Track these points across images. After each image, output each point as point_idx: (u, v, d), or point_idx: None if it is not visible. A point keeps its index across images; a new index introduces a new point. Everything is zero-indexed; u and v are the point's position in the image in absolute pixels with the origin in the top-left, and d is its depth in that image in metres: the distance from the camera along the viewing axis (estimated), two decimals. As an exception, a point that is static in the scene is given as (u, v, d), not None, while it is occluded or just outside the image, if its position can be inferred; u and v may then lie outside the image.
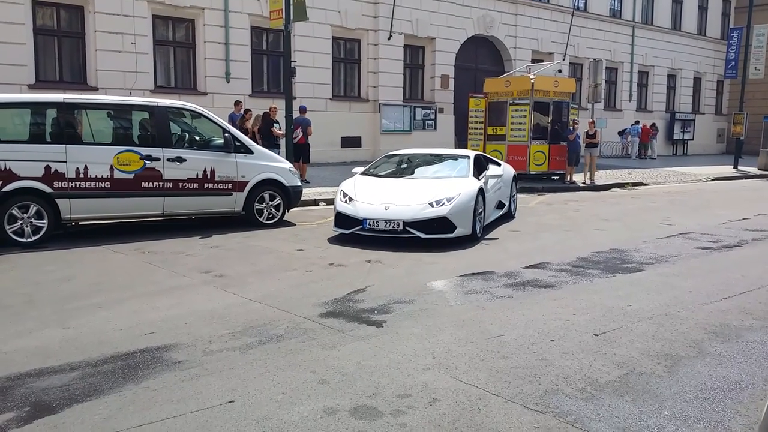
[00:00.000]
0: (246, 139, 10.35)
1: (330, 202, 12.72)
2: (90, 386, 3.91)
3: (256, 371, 4.19)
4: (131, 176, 9.04)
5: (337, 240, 8.92)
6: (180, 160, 9.35)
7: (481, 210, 9.05)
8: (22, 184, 8.38)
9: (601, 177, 19.40)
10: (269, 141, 14.33)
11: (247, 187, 9.97)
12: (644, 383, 4.07)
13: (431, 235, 8.30)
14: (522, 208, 12.83)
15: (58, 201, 8.58)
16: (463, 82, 24.98)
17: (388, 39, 22.49)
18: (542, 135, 18.17)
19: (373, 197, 8.71)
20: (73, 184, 8.68)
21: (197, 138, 10.03)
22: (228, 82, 19.16)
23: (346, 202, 8.85)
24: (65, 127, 8.89)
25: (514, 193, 11.65)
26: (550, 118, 18.26)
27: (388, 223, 8.28)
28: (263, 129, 14.82)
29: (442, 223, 8.34)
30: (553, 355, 4.53)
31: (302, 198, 11.15)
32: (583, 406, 3.72)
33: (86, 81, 17.08)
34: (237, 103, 16.00)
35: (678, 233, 9.99)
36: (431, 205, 8.37)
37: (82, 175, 8.74)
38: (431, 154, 10.81)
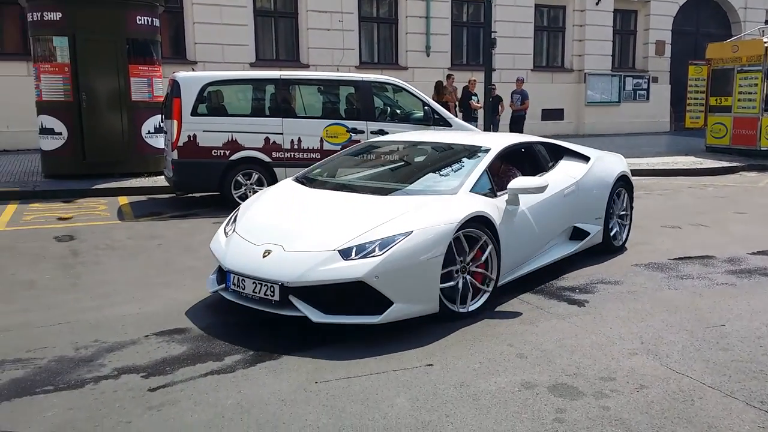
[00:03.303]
0: (445, 112, 10.41)
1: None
2: (302, 339, 4.22)
3: (454, 338, 4.24)
4: (338, 148, 9.54)
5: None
6: (382, 132, 9.67)
7: (488, 259, 4.74)
8: (246, 154, 9.25)
9: None
10: (467, 114, 14.33)
11: (445, 160, 10.01)
12: None
13: (334, 317, 4.13)
14: (751, 187, 11.46)
15: (276, 170, 9.35)
16: (680, 48, 22.89)
17: (597, 4, 21.22)
18: (775, 106, 16.02)
19: (261, 229, 4.76)
20: (288, 155, 9.40)
21: (398, 111, 10.31)
22: (428, 56, 19.43)
23: (227, 231, 5.01)
24: (282, 101, 9.64)
25: (623, 207, 6.73)
26: (786, 87, 16.02)
27: (259, 286, 4.27)
28: (462, 102, 14.86)
29: (361, 294, 4.14)
30: (785, 352, 4.01)
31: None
32: (824, 412, 3.25)
33: (299, 58, 18.34)
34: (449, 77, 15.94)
35: None
36: (343, 253, 4.20)
37: (296, 147, 9.44)
38: (431, 146, 6.22)
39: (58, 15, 10.99)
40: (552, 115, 21.31)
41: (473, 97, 14.81)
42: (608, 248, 6.47)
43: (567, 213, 5.89)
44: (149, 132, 11.75)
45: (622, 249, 6.64)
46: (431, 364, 3.83)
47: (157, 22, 11.98)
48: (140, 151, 11.63)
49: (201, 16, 17.02)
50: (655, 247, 6.82)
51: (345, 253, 4.18)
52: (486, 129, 13.73)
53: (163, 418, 3.19)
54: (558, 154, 6.41)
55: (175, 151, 9.03)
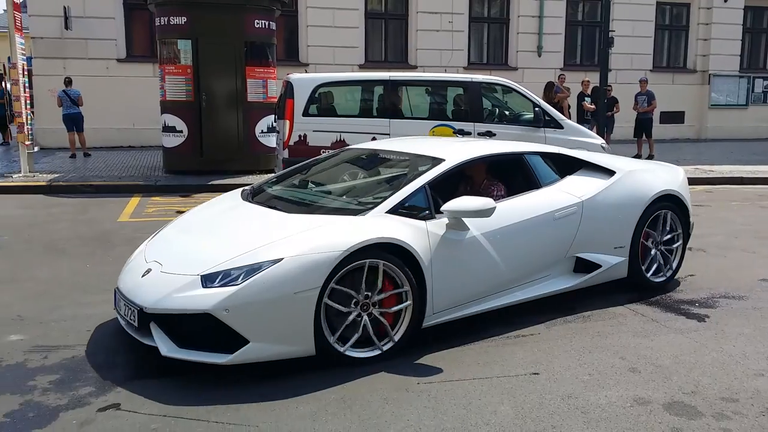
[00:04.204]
0: (556, 114, 10.10)
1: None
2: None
3: (561, 348, 4.09)
4: (445, 148, 9.50)
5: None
6: (490, 134, 9.54)
7: (402, 296, 3.90)
8: (354, 153, 9.39)
9: None
10: (580, 116, 13.87)
11: (555, 163, 9.73)
12: None
13: (184, 352, 3.56)
14: None
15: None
16: (819, 46, 21.04)
17: (725, 1, 19.90)
18: None
19: (162, 243, 4.40)
20: (395, 155, 9.46)
21: (507, 113, 10.12)
22: (539, 56, 18.97)
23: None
24: (389, 102, 9.71)
25: (668, 234, 5.36)
26: None
27: (127, 309, 3.83)
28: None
29: (218, 328, 3.50)
30: None
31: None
32: None
33: (407, 60, 18.44)
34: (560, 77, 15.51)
35: None
36: (207, 279, 3.63)
37: (402, 147, 9.47)
38: (392, 155, 5.20)
39: (183, 19, 11.63)
40: (672, 118, 20.19)
41: (586, 99, 14.30)
42: (640, 285, 5.21)
43: (561, 240, 4.74)
44: (262, 131, 12.20)
45: (665, 286, 5.31)
46: (537, 373, 3.71)
47: (273, 26, 12.42)
48: (253, 150, 12.10)
49: (314, 20, 17.50)
50: (787, 262, 6.28)
51: (209, 279, 3.59)
52: (600, 131, 13.20)
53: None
54: (570, 166, 5.22)
55: (287, 149, 9.31)
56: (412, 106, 9.92)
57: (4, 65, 19.04)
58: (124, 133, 16.45)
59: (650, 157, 14.59)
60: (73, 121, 14.08)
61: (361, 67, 17.53)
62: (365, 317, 3.78)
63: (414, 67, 17.92)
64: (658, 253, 5.31)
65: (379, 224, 3.92)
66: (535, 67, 18.67)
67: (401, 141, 5.96)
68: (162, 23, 11.95)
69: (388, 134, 9.40)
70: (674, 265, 5.43)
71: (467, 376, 3.67)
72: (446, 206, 4.08)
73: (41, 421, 3.13)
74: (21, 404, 3.27)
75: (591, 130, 11.66)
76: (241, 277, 3.53)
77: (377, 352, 3.81)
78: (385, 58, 18.47)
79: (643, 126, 15.00)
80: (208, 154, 11.85)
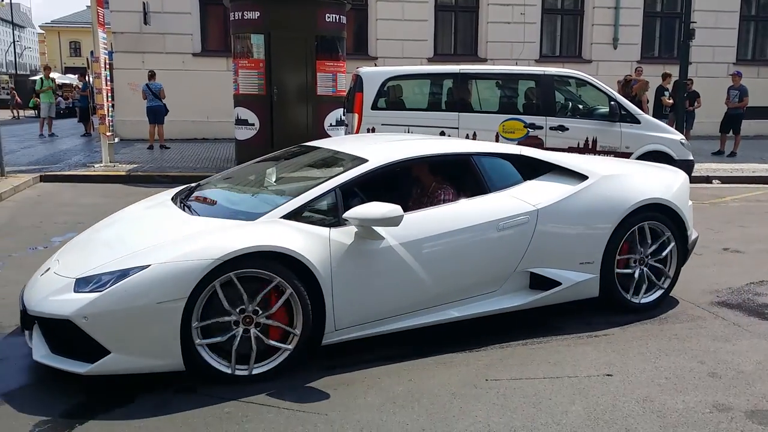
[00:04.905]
0: (633, 108, 9.78)
1: (726, 180, 11.30)
2: (469, 334, 4.17)
3: (636, 350, 3.95)
4: (514, 143, 9.35)
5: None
6: (562, 128, 9.34)
7: (292, 309, 3.53)
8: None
9: None
10: (659, 110, 13.38)
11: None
12: None
13: (52, 359, 3.38)
14: None
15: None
16: None
17: (817, -11, 18.77)
18: None
19: (75, 241, 4.31)
20: (463, 149, 9.37)
21: (580, 106, 9.87)
22: (615, 48, 18.41)
23: None
24: (458, 96, 9.62)
25: (656, 249, 4.63)
26: None
27: (22, 306, 3.65)
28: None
29: (75, 335, 3.28)
30: None
31: (693, 173, 10.12)
32: None
33: (476, 53, 18.23)
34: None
35: None
36: (81, 283, 3.41)
37: (471, 141, 9.38)
38: (324, 154, 4.72)
39: (257, 14, 11.85)
40: (757, 113, 19.10)
41: (665, 93, 13.77)
42: (619, 307, 4.53)
43: (508, 253, 4.14)
44: (331, 125, 12.31)
45: (650, 309, 4.58)
46: (610, 375, 3.60)
47: (344, 20, 12.50)
48: (322, 143, 12.22)
49: (384, 13, 17.53)
50: None
51: (82, 284, 3.36)
52: (679, 126, 12.68)
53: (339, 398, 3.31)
54: (535, 169, 4.56)
55: (355, 142, 9.37)
56: (481, 99, 9.81)
57: (87, 59, 19.94)
58: (199, 126, 16.96)
59: (732, 154, 13.94)
60: (154, 114, 14.62)
61: (430, 61, 17.45)
62: (253, 332, 3.42)
63: (483, 60, 17.70)
64: (644, 271, 4.58)
65: (266, 231, 3.53)
66: (610, 60, 18.13)
67: (351, 139, 5.49)
68: (236, 18, 12.21)
69: (457, 128, 9.34)
70: (664, 285, 4.67)
71: (537, 374, 3.60)
72: (348, 213, 3.64)
73: (125, 398, 3.27)
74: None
75: (669, 125, 11.24)
76: (110, 282, 3.28)
77: (274, 364, 3.47)
78: (454, 51, 18.32)
79: (732, 122, 14.30)
80: (279, 147, 11.91)
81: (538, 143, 9.33)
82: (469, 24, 18.39)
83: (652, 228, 4.56)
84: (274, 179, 4.58)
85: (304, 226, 3.64)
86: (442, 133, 9.33)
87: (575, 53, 18.83)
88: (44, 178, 10.69)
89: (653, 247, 4.59)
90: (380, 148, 4.53)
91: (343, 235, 3.66)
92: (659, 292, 4.65)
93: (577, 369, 3.67)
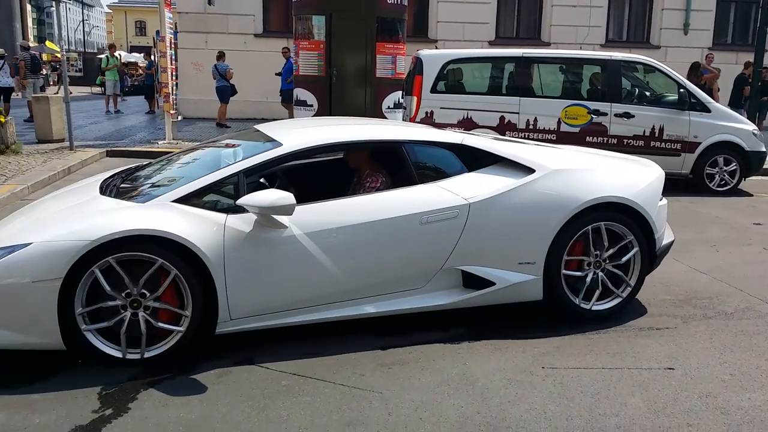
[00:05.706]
0: (704, 96, 9.39)
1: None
2: (521, 320, 4.12)
3: (699, 344, 3.83)
4: (577, 130, 9.13)
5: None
6: (627, 115, 9.06)
7: (180, 292, 3.42)
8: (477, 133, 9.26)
9: None
10: (737, 100, 12.84)
11: (699, 149, 9.11)
12: None
13: None
14: None
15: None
16: None
17: None
18: None
19: (10, 217, 4.23)
20: (523, 135, 9.22)
21: (647, 93, 9.54)
22: (686, 34, 17.72)
23: None
24: (520, 80, 9.44)
25: (612, 253, 4.13)
26: None
27: None
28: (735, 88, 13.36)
29: None
30: None
31: (765, 166, 9.69)
32: None
33: (539, 36, 17.84)
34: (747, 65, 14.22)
35: None
36: None
37: (531, 127, 9.21)
38: (262, 138, 4.25)
39: (319, -5, 11.88)
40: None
41: (749, 82, 13.16)
42: (568, 313, 4.10)
43: (433, 249, 3.85)
44: (388, 107, 12.25)
45: (602, 319, 4.13)
46: (672, 368, 3.50)
47: (405, 2, 12.39)
48: (380, 125, 12.22)
49: (445, -5, 17.32)
50: None
51: None
52: (752, 116, 12.15)
53: (395, 376, 3.33)
54: (479, 160, 4.21)
55: (413, 125, 9.33)
56: (543, 84, 9.59)
57: (153, 38, 20.44)
58: (258, 106, 17.18)
59: None
60: (220, 93, 14.92)
61: (491, 44, 17.18)
62: (141, 315, 3.35)
63: (547, 44, 17.32)
64: (599, 275, 4.13)
65: (148, 214, 3.44)
66: (680, 46, 17.46)
67: (291, 123, 5.23)
68: (298, -1, 12.28)
69: (517, 113, 9.19)
70: (624, 293, 4.18)
71: (596, 364, 3.53)
72: (241, 200, 3.48)
73: (187, 368, 3.37)
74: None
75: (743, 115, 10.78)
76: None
77: (165, 347, 3.40)
78: (517, 35, 17.97)
79: None
80: (336, 128, 12.09)
81: (602, 130, 9.10)
82: (533, 7, 18.00)
83: (611, 229, 4.10)
84: (190, 162, 4.40)
85: (196, 210, 3.50)
86: (502, 118, 9.20)
87: (643, 38, 18.21)
88: (110, 153, 11.06)
89: (611, 251, 4.11)
90: (301, 132, 4.25)
91: (241, 222, 3.51)
92: (616, 301, 4.17)
93: (638, 361, 3.58)
